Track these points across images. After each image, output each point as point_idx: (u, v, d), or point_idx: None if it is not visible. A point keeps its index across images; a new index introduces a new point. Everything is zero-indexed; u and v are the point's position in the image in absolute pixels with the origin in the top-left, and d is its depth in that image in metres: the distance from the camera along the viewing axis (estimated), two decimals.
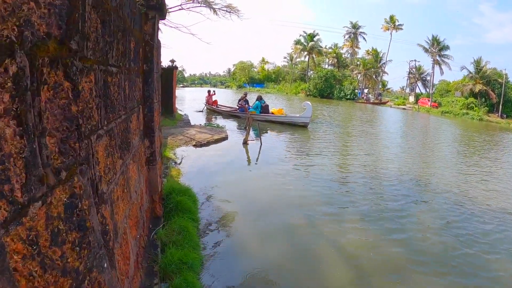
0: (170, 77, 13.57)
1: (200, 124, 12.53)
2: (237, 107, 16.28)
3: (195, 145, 8.61)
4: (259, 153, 8.63)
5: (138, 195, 2.68)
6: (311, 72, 53.18)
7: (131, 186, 2.32)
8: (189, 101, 25.78)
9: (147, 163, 3.17)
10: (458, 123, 26.04)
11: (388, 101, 43.82)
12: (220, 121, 14.26)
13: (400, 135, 15.59)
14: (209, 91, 18.50)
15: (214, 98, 18.07)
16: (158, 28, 3.03)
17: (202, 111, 17.65)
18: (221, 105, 17.91)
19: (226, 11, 11.08)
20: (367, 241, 4.28)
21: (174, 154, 7.55)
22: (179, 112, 15.96)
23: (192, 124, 12.45)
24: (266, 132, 12.05)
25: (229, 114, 16.26)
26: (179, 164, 6.81)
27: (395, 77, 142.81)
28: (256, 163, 7.70)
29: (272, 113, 14.61)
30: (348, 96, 43.92)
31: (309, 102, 14.12)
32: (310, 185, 6.15)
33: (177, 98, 16.53)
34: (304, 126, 13.63)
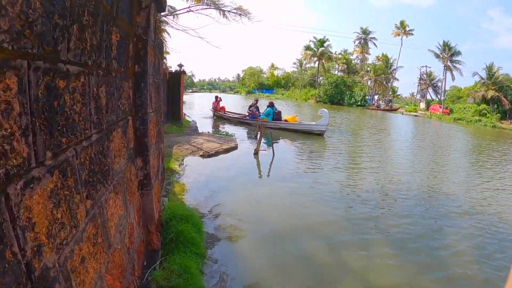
0: (178, 82, 13.13)
1: (208, 132, 11.96)
2: (247, 114, 15.67)
3: (202, 155, 8.01)
4: (271, 165, 7.96)
5: (125, 235, 2.07)
6: (320, 78, 52.43)
7: (110, 229, 1.71)
8: (198, 107, 25.37)
9: (140, 188, 2.57)
10: (472, 130, 24.89)
11: (399, 108, 42.75)
12: (229, 128, 13.62)
13: (417, 145, 14.67)
14: (216, 97, 18.05)
15: (221, 104, 17.62)
16: (155, 21, 2.44)
17: (213, 117, 17.22)
18: (229, 112, 17.39)
19: (237, 13, 10.57)
20: (400, 279, 3.60)
21: (180, 165, 6.96)
22: (187, 118, 15.48)
23: (200, 131, 11.88)
24: (279, 141, 11.35)
25: (238, 121, 15.65)
26: (183, 177, 6.21)
27: (406, 83, 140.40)
28: (268, 177, 7.02)
29: (285, 121, 13.83)
30: (359, 103, 43.06)
31: (325, 110, 13.24)
32: (329, 207, 5.42)
33: (185, 104, 16.02)
34: (320, 134, 12.88)
